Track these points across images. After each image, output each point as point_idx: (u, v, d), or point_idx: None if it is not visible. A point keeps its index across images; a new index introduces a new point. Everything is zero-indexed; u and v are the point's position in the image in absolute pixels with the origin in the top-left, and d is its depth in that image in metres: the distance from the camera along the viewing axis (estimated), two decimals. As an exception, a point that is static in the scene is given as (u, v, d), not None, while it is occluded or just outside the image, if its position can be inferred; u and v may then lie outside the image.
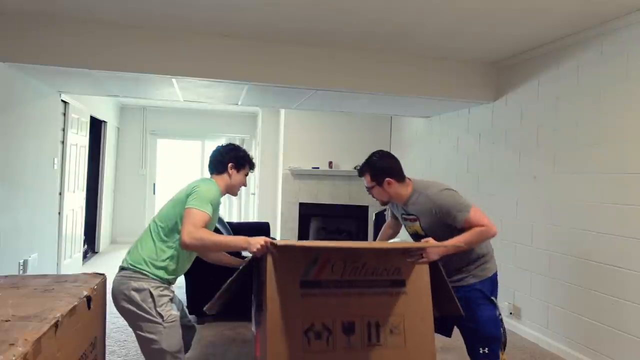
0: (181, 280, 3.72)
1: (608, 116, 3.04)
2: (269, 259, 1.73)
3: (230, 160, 2.19)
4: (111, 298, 2.03)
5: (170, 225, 2.03)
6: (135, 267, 2.00)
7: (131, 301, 1.96)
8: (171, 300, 2.05)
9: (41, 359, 1.26)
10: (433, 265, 1.92)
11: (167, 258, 2.03)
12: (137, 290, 1.96)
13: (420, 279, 1.85)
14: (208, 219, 1.95)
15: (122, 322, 3.71)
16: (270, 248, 1.74)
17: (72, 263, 5.15)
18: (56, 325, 1.39)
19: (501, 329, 2.17)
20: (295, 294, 1.71)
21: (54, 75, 3.71)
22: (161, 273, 2.02)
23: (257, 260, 1.87)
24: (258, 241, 1.77)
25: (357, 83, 3.90)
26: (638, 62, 2.85)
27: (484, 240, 2.15)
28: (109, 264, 5.87)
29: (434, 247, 1.90)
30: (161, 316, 1.95)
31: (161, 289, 2.01)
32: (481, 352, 2.12)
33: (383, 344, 1.75)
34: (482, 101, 4.24)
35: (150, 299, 1.95)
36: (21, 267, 3.87)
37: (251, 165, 2.28)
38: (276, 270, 1.72)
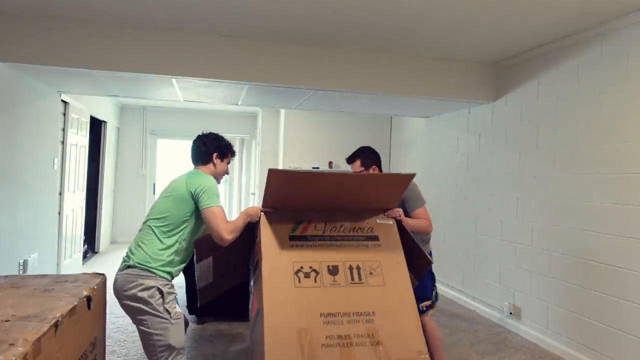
0: (181, 281, 3.73)
1: (608, 116, 3.04)
2: (263, 220, 2.07)
3: (215, 150, 2.27)
4: (114, 295, 2.05)
5: (176, 223, 2.09)
6: (143, 265, 2.00)
7: (138, 299, 1.96)
8: (175, 297, 2.08)
9: (41, 359, 1.26)
10: (401, 229, 2.25)
11: (173, 253, 2.08)
12: (147, 288, 1.97)
13: (391, 237, 2.18)
14: (223, 210, 2.11)
15: (122, 322, 3.73)
16: (264, 209, 2.06)
17: (72, 263, 5.15)
18: (56, 325, 1.39)
19: (434, 292, 2.79)
20: (285, 245, 2.02)
21: (54, 75, 3.71)
22: (168, 268, 2.06)
23: (253, 228, 2.17)
24: (256, 211, 2.06)
25: (357, 83, 3.90)
26: (638, 62, 2.85)
27: (421, 231, 2.62)
28: (109, 264, 5.87)
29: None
30: (169, 313, 1.98)
31: (169, 286, 2.04)
32: (421, 308, 2.58)
33: (365, 282, 2.02)
34: (482, 101, 4.24)
35: (159, 296, 1.98)
36: (21, 267, 3.87)
37: (233, 154, 2.38)
38: (270, 227, 2.05)
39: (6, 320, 1.35)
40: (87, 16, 3.25)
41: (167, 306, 1.99)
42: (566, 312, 3.31)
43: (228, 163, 2.36)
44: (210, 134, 2.34)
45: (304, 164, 6.49)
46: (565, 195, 3.35)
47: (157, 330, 1.96)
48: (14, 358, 1.12)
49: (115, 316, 3.76)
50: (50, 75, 3.69)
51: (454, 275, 4.77)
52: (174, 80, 3.72)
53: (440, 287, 5.04)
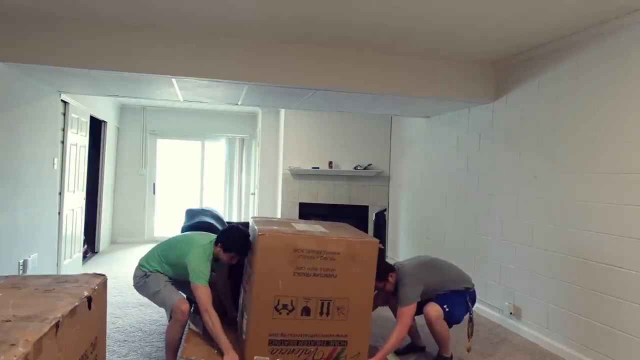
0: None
1: (608, 116, 3.05)
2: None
3: (220, 246, 2.79)
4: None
5: (166, 259, 2.83)
6: (142, 266, 2.88)
7: (137, 284, 2.88)
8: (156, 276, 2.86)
9: (42, 359, 1.27)
10: None
11: (163, 269, 2.86)
12: (142, 277, 2.84)
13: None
14: (209, 291, 2.63)
15: (122, 322, 3.74)
16: None
17: (72, 263, 5.15)
18: (57, 325, 1.39)
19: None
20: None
21: (54, 75, 3.71)
22: (156, 269, 2.86)
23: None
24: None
25: (357, 83, 3.91)
26: (638, 62, 2.85)
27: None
28: (109, 264, 5.87)
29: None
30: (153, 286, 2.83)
31: (152, 274, 2.84)
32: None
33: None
34: (482, 101, 4.24)
35: (145, 279, 2.84)
36: (21, 267, 3.87)
37: (238, 254, 2.81)
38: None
39: (7, 321, 1.35)
40: (87, 16, 3.25)
41: (148, 279, 2.81)
42: (566, 312, 3.31)
43: (232, 257, 2.75)
44: (233, 230, 2.78)
45: (304, 164, 6.50)
46: (565, 195, 3.36)
47: (147, 289, 2.82)
48: (15, 358, 1.12)
49: (115, 316, 3.76)
50: (50, 75, 3.69)
51: (454, 275, 4.77)
52: (174, 80, 3.72)
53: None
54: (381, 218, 5.35)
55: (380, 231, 5.19)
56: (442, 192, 5.09)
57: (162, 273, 2.82)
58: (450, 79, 4.12)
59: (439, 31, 3.35)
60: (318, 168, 6.45)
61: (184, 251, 2.73)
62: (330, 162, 6.50)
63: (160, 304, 2.80)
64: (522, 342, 3.58)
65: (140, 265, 2.87)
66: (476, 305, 4.35)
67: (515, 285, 3.84)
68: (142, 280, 2.80)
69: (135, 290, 2.90)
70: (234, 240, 2.72)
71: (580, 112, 3.27)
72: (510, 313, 3.84)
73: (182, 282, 2.81)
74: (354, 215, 6.57)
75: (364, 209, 6.59)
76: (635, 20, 2.86)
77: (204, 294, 2.58)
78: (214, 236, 2.84)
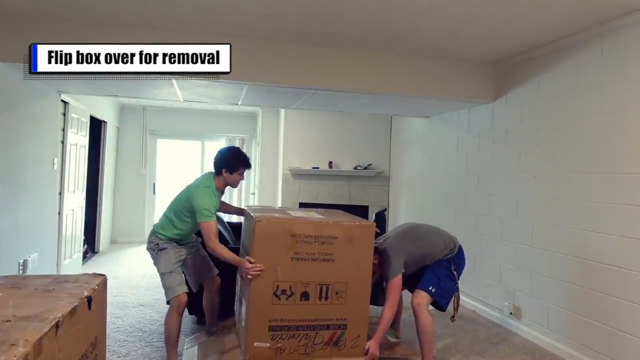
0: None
1: (608, 116, 3.05)
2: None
3: (223, 167, 2.84)
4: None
5: (175, 216, 2.86)
6: (155, 231, 2.90)
7: (150, 249, 2.91)
8: (167, 249, 2.87)
9: (42, 359, 1.27)
10: None
11: (174, 229, 2.87)
12: (154, 243, 2.88)
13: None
14: (214, 223, 2.72)
15: (122, 322, 3.74)
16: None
17: (72, 263, 5.15)
18: (57, 325, 1.39)
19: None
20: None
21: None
22: (169, 235, 2.87)
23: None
24: (246, 270, 2.54)
25: (357, 83, 3.91)
26: (638, 61, 2.85)
27: None
28: (109, 264, 5.87)
29: None
30: (162, 256, 2.87)
31: (163, 242, 2.86)
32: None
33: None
34: (482, 101, 4.24)
35: (157, 248, 2.87)
36: (21, 267, 3.87)
37: (244, 167, 2.89)
38: None
39: (7, 321, 1.35)
40: (86, 16, 3.25)
41: (160, 254, 2.85)
42: (566, 312, 3.31)
43: (240, 174, 2.88)
44: (226, 150, 2.90)
45: (304, 164, 6.50)
46: (565, 195, 3.36)
47: (157, 264, 2.87)
48: (15, 358, 1.12)
49: (115, 316, 3.77)
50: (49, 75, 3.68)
51: (454, 275, 4.77)
52: (174, 80, 3.72)
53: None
54: (381, 218, 5.35)
55: (380, 231, 5.19)
56: (442, 192, 5.09)
57: (175, 241, 2.87)
58: (450, 79, 4.12)
59: (439, 29, 3.35)
60: (318, 168, 6.45)
61: (189, 196, 2.79)
62: (330, 162, 6.50)
63: (163, 285, 2.86)
64: (522, 342, 3.58)
65: (154, 231, 2.90)
66: (476, 305, 4.36)
67: (515, 285, 3.84)
68: (155, 251, 2.86)
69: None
70: (232, 159, 2.84)
71: (580, 112, 3.27)
72: (510, 313, 3.84)
73: (188, 249, 2.98)
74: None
75: (364, 209, 6.59)
76: (635, 20, 2.86)
77: (209, 229, 2.69)
78: (210, 172, 2.91)
